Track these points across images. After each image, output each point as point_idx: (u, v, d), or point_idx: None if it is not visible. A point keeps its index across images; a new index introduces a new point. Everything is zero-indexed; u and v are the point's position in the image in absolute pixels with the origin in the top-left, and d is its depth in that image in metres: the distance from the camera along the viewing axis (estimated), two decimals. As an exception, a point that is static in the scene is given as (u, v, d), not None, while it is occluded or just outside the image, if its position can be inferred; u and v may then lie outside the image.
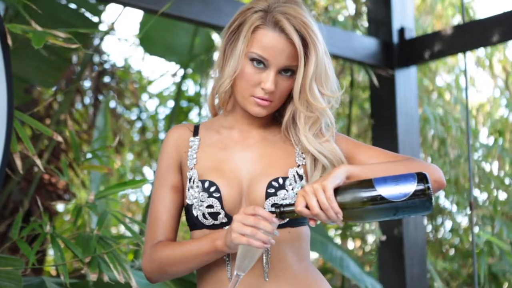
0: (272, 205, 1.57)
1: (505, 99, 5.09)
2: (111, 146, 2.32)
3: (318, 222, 1.51)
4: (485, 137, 4.95)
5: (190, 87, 5.68)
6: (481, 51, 5.04)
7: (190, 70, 4.92)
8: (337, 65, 4.78)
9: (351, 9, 4.87)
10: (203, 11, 3.17)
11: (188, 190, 1.63)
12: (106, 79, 5.16)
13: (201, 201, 1.60)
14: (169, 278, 1.66)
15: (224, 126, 1.71)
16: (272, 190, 1.59)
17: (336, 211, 1.43)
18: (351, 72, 4.65)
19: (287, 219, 1.52)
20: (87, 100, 5.04)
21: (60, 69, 3.47)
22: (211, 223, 1.60)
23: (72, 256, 2.11)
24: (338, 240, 4.84)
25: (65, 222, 4.63)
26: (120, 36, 6.15)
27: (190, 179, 1.63)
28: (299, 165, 1.64)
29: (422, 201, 1.42)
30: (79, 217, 2.17)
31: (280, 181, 1.60)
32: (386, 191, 1.43)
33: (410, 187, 1.42)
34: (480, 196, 4.74)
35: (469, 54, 4.72)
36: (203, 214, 1.60)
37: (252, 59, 1.59)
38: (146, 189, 5.67)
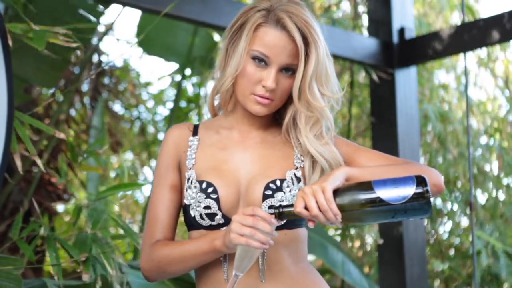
0: (269, 207, 1.57)
1: (505, 98, 5.09)
2: (100, 151, 2.32)
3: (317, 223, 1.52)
4: (485, 136, 4.95)
5: (190, 87, 5.67)
6: (482, 51, 5.03)
7: (189, 70, 4.92)
8: (337, 65, 4.78)
9: (351, 9, 4.87)
10: (203, 11, 3.17)
11: (186, 190, 1.63)
12: (105, 79, 5.16)
13: (198, 201, 1.60)
14: (167, 277, 1.66)
15: (224, 126, 1.71)
16: (270, 192, 1.59)
17: (335, 212, 1.43)
18: (351, 72, 4.65)
19: (286, 219, 1.52)
20: (86, 100, 5.04)
21: (60, 69, 3.46)
22: (208, 224, 1.60)
23: (70, 257, 2.11)
24: (338, 240, 4.84)
25: (64, 222, 4.63)
26: (119, 36, 6.15)
27: (188, 179, 1.63)
28: (297, 168, 1.64)
29: (421, 204, 1.42)
30: (79, 218, 2.17)
31: (278, 183, 1.60)
32: (385, 193, 1.43)
33: (409, 190, 1.42)
34: (480, 196, 4.73)
35: (469, 54, 4.73)
36: (200, 215, 1.60)
37: (254, 57, 1.59)
38: (146, 189, 5.67)
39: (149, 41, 4.58)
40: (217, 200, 1.59)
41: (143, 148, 5.82)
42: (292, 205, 1.47)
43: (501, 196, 4.71)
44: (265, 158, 1.65)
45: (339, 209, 1.44)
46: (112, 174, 5.52)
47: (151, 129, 5.90)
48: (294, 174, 1.62)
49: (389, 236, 3.79)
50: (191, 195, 1.61)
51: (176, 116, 4.82)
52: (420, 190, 1.42)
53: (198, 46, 4.43)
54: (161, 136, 5.77)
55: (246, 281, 1.56)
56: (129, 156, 6.10)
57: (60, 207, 4.81)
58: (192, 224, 1.63)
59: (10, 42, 1.97)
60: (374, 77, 3.86)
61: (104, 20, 5.20)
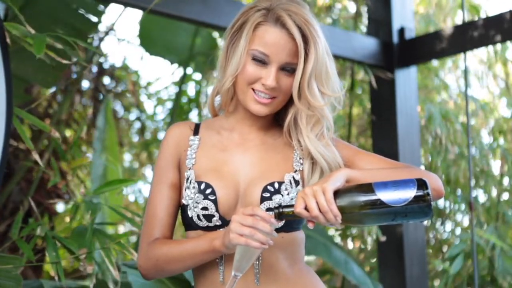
0: (267, 210, 1.57)
1: (506, 99, 5.09)
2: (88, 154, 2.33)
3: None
4: (486, 136, 4.95)
5: (190, 87, 5.68)
6: (483, 51, 5.03)
7: (190, 70, 4.92)
8: (337, 65, 4.78)
9: (352, 9, 4.87)
10: (203, 11, 3.17)
11: (185, 190, 1.62)
12: (106, 79, 5.16)
13: (196, 202, 1.59)
14: (165, 275, 1.66)
15: (225, 127, 1.70)
16: (267, 195, 1.59)
17: (335, 214, 1.43)
18: (351, 72, 4.65)
19: (285, 220, 1.52)
20: (86, 100, 5.04)
21: (60, 69, 3.46)
22: (205, 225, 1.60)
23: (70, 253, 2.11)
24: (338, 240, 4.84)
25: (64, 222, 4.62)
26: (120, 36, 6.15)
27: (187, 179, 1.63)
28: (296, 171, 1.64)
29: (421, 207, 1.42)
30: (76, 214, 2.17)
31: (276, 185, 1.59)
32: (385, 195, 1.42)
33: (410, 193, 1.42)
34: (481, 196, 4.73)
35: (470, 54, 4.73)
36: (198, 216, 1.59)
37: (254, 57, 1.59)
38: (145, 190, 5.67)
39: (150, 41, 4.58)
40: (215, 201, 1.58)
41: (143, 148, 5.82)
42: (292, 206, 1.46)
43: (504, 196, 4.70)
44: (264, 160, 1.65)
45: (339, 210, 1.43)
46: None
47: (151, 129, 5.90)
48: (293, 177, 1.62)
49: (389, 236, 3.79)
50: (189, 196, 1.61)
51: (177, 116, 4.83)
52: (420, 193, 1.42)
53: (199, 46, 4.43)
54: (160, 135, 5.77)
55: (241, 284, 1.55)
56: (128, 157, 6.10)
57: (60, 207, 4.82)
58: (189, 225, 1.63)
59: (8, 40, 1.96)
60: (376, 74, 3.86)
61: (105, 20, 5.20)
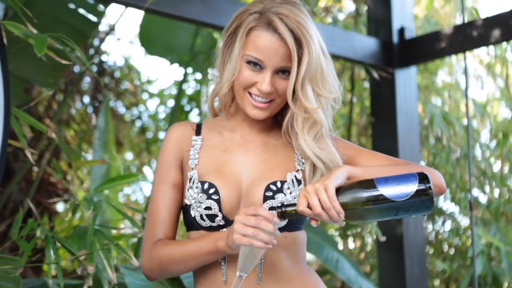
0: (270, 208, 1.57)
1: (505, 99, 5.09)
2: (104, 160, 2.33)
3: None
4: (487, 137, 4.94)
5: (191, 86, 5.68)
6: (483, 51, 5.03)
7: (191, 69, 4.92)
8: (337, 65, 4.78)
9: (352, 9, 4.87)
10: (203, 11, 3.17)
11: (188, 190, 1.62)
12: (106, 79, 5.17)
13: (199, 202, 1.59)
14: (168, 276, 1.65)
15: (227, 128, 1.71)
16: (270, 194, 1.59)
17: (338, 210, 1.43)
18: (351, 72, 4.65)
19: (288, 219, 1.52)
20: (86, 100, 5.04)
21: (60, 69, 3.46)
22: (208, 225, 1.60)
23: (70, 254, 2.11)
24: (338, 240, 4.84)
25: (64, 222, 4.63)
26: (120, 36, 6.15)
27: (190, 179, 1.63)
28: (297, 170, 1.64)
29: (423, 200, 1.43)
30: (75, 213, 2.17)
31: (278, 184, 1.60)
32: (387, 191, 1.43)
33: (412, 187, 1.43)
34: (482, 196, 4.73)
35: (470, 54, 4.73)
36: (201, 216, 1.59)
37: (248, 62, 1.59)
38: (146, 189, 5.67)
39: (150, 41, 4.58)
40: (218, 201, 1.58)
41: (143, 147, 5.82)
42: (294, 204, 1.46)
43: (505, 196, 4.70)
44: (266, 161, 1.65)
45: (342, 207, 1.44)
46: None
47: (151, 128, 5.90)
48: (295, 176, 1.62)
49: (389, 236, 3.78)
50: (192, 195, 1.61)
51: (177, 115, 4.83)
52: (422, 187, 1.42)
53: (200, 45, 4.43)
54: (161, 135, 5.77)
55: (244, 283, 1.55)
56: (129, 156, 6.10)
57: (60, 207, 4.82)
58: (192, 225, 1.63)
59: (5, 40, 1.96)
60: (375, 75, 3.86)
61: (105, 20, 5.20)
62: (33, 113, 4.04)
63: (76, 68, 4.58)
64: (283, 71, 1.59)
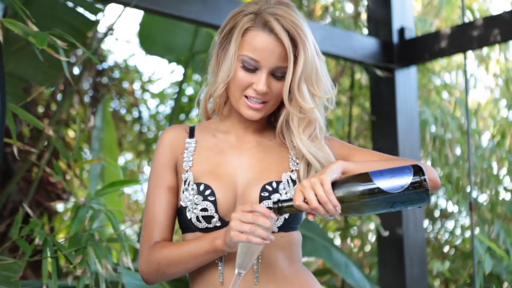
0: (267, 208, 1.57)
1: (505, 100, 5.08)
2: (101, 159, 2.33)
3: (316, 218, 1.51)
4: (487, 137, 4.94)
5: (191, 87, 5.68)
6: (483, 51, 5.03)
7: (190, 70, 4.92)
8: (337, 65, 4.78)
9: (352, 9, 4.87)
10: (203, 11, 3.17)
11: (183, 192, 1.62)
12: (105, 79, 5.16)
13: (195, 204, 1.59)
14: (166, 279, 1.65)
15: (220, 130, 1.71)
16: (266, 194, 1.59)
17: (335, 204, 1.44)
18: (351, 72, 4.65)
19: (285, 214, 1.52)
20: (86, 100, 5.04)
21: (59, 69, 3.46)
22: (204, 226, 1.60)
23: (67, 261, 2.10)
24: (338, 240, 4.83)
25: (64, 222, 4.63)
26: (119, 36, 6.15)
27: (185, 181, 1.62)
28: (292, 170, 1.65)
29: (418, 192, 1.44)
30: (77, 219, 2.16)
31: (274, 185, 1.60)
32: (383, 183, 1.44)
33: (407, 179, 1.44)
34: (481, 197, 4.72)
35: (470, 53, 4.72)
36: (197, 217, 1.59)
37: (244, 62, 1.59)
38: (145, 188, 5.66)
39: (150, 41, 4.58)
40: (214, 202, 1.58)
41: (144, 147, 5.82)
42: (291, 200, 1.47)
43: (506, 197, 4.70)
44: (261, 162, 1.66)
45: (338, 201, 1.44)
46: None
47: (152, 128, 5.90)
48: (290, 177, 1.63)
49: (389, 236, 3.78)
50: (188, 197, 1.60)
51: (177, 115, 4.83)
52: (417, 179, 1.44)
53: (199, 45, 4.43)
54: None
55: (241, 283, 1.54)
56: (128, 156, 6.10)
57: (60, 207, 4.81)
58: (187, 227, 1.63)
59: (0, 38, 1.96)
60: (376, 74, 3.86)
61: (105, 20, 5.21)
62: (32, 113, 4.04)
63: (76, 69, 4.57)
64: (278, 72, 1.60)
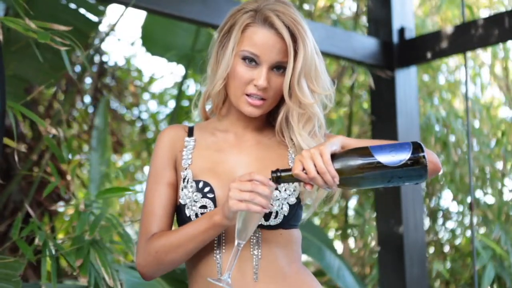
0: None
1: (506, 99, 5.09)
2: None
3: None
4: (489, 137, 4.94)
5: (191, 87, 5.68)
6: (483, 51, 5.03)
7: (191, 70, 4.92)
8: (337, 65, 4.78)
9: (352, 9, 4.87)
10: (203, 11, 3.17)
11: (182, 190, 1.62)
12: (107, 79, 5.17)
13: (194, 201, 1.60)
14: (165, 269, 1.63)
15: (219, 129, 1.71)
16: None
17: (333, 175, 1.45)
18: (351, 72, 4.65)
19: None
20: (87, 100, 5.05)
21: (60, 69, 3.47)
22: None
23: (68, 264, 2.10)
24: (338, 241, 4.84)
25: (64, 222, 4.63)
26: (120, 36, 6.16)
27: (184, 179, 1.63)
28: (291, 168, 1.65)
29: (416, 169, 1.46)
30: (77, 220, 2.16)
31: None
32: (382, 157, 1.46)
33: (406, 154, 1.46)
34: (483, 197, 4.73)
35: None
36: (196, 214, 1.60)
37: (244, 58, 1.60)
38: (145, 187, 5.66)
39: (151, 41, 4.59)
40: (213, 199, 1.59)
41: (144, 148, 5.82)
42: (290, 169, 1.48)
43: (508, 197, 4.70)
44: (260, 159, 1.66)
45: (337, 173, 1.46)
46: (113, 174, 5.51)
47: (152, 128, 5.90)
48: None
49: (389, 236, 3.79)
50: (187, 195, 1.61)
51: (178, 115, 4.83)
52: (416, 155, 1.46)
53: (201, 46, 4.44)
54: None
55: (239, 280, 1.56)
56: (128, 156, 6.11)
57: (60, 207, 4.82)
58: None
59: (1, 37, 1.96)
60: (376, 74, 3.86)
61: (106, 21, 5.21)
62: (33, 113, 4.04)
63: (77, 69, 4.58)
64: (278, 68, 1.61)
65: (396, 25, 3.89)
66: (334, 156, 1.47)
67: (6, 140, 2.16)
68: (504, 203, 4.55)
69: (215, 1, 3.20)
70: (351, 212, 5.07)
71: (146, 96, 5.98)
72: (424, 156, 1.45)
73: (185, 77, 4.67)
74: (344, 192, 4.56)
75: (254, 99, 1.61)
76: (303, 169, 1.46)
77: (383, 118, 3.91)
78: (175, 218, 1.69)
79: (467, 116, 3.73)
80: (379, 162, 1.45)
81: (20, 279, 1.87)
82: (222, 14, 3.23)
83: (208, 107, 1.77)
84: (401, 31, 3.89)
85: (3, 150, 2.07)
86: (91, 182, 4.24)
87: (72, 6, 3.47)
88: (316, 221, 4.97)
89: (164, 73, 7.82)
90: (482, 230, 4.55)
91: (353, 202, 5.08)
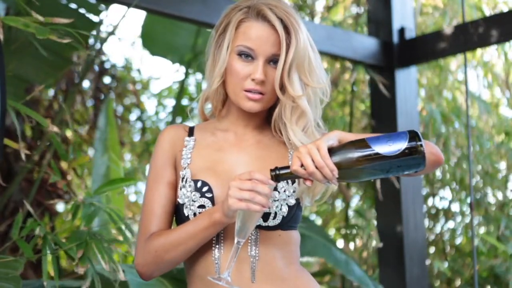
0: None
1: (506, 99, 5.09)
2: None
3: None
4: (491, 136, 4.94)
5: (192, 87, 5.69)
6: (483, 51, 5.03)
7: (191, 70, 4.92)
8: (337, 65, 4.78)
9: (352, 9, 4.87)
10: (203, 11, 3.17)
11: (180, 189, 1.62)
12: (107, 79, 5.17)
13: (193, 200, 1.59)
14: (164, 268, 1.62)
15: (219, 128, 1.71)
16: None
17: (331, 168, 1.44)
18: (351, 72, 4.65)
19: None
20: (87, 100, 5.05)
21: (61, 69, 3.47)
22: None
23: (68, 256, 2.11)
24: (340, 241, 4.84)
25: (65, 222, 4.64)
26: (121, 37, 6.17)
27: (183, 178, 1.63)
28: None
29: (414, 157, 1.45)
30: (76, 216, 2.17)
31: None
32: (379, 148, 1.45)
33: (403, 144, 1.45)
34: (485, 196, 4.72)
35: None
36: (194, 214, 1.59)
37: (240, 53, 1.61)
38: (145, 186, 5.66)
39: (152, 41, 4.59)
40: (212, 199, 1.59)
41: (144, 148, 5.82)
42: (288, 166, 1.48)
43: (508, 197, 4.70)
44: (260, 159, 1.66)
45: (335, 166, 1.46)
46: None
47: (152, 128, 5.90)
48: None
49: (389, 236, 3.79)
50: (185, 194, 1.61)
51: (178, 115, 4.83)
52: (413, 143, 1.45)
53: (201, 46, 4.44)
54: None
55: (237, 281, 1.55)
56: (128, 156, 6.11)
57: (60, 207, 4.82)
58: None
59: (1, 36, 1.97)
60: (376, 74, 3.86)
61: (107, 21, 5.22)
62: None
63: (76, 69, 4.58)
64: (275, 61, 1.61)
65: (396, 25, 3.89)
66: (331, 150, 1.47)
67: (7, 141, 2.17)
68: (507, 202, 4.55)
69: (215, 1, 3.21)
70: (351, 213, 5.07)
71: (146, 96, 5.98)
72: (421, 145, 1.45)
73: (185, 77, 4.68)
74: (345, 192, 4.56)
75: (253, 94, 1.61)
76: (302, 165, 1.45)
77: (383, 119, 3.92)
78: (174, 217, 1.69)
79: (467, 115, 3.73)
80: (376, 153, 1.45)
81: (19, 277, 1.87)
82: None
83: (207, 109, 1.77)
84: (401, 31, 3.89)
85: (3, 150, 2.06)
86: (93, 183, 4.24)
87: (72, 6, 3.47)
88: (318, 221, 4.97)
89: (164, 73, 7.84)
90: (482, 230, 4.56)
91: (353, 202, 5.08)
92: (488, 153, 4.61)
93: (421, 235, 3.82)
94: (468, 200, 4.59)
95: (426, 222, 4.78)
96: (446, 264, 4.62)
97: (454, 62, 4.94)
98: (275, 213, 1.59)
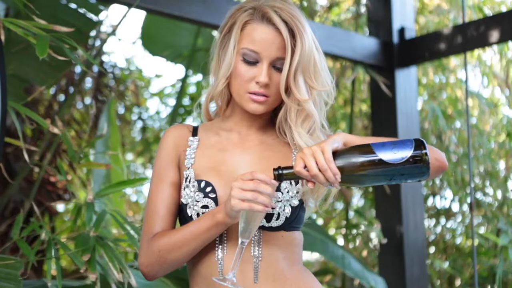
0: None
1: (506, 98, 5.09)
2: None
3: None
4: (491, 136, 4.94)
5: (192, 87, 5.69)
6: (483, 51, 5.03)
7: (192, 70, 4.92)
8: (337, 66, 4.78)
9: (352, 9, 4.87)
10: (204, 11, 3.18)
11: (184, 189, 1.62)
12: (107, 79, 5.17)
13: (196, 200, 1.59)
14: (168, 268, 1.62)
15: (223, 128, 1.71)
16: None
17: (335, 172, 1.43)
18: (351, 72, 4.66)
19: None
20: (88, 101, 5.05)
21: (61, 69, 3.47)
22: None
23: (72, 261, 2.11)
24: (340, 241, 4.84)
25: (65, 222, 4.64)
26: (122, 37, 6.16)
27: (187, 178, 1.63)
28: None
29: (418, 166, 1.44)
30: (79, 217, 2.17)
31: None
32: (384, 155, 1.44)
33: (408, 152, 1.44)
34: (485, 196, 4.73)
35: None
36: (198, 214, 1.59)
37: (244, 55, 1.60)
38: (147, 190, 5.67)
39: (152, 42, 4.59)
40: (215, 199, 1.58)
41: (145, 148, 5.83)
42: (291, 167, 1.47)
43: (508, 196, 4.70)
44: (264, 159, 1.65)
45: (338, 170, 1.45)
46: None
47: (153, 128, 5.91)
48: None
49: (389, 236, 3.79)
50: (189, 194, 1.61)
51: (178, 115, 4.83)
52: (418, 151, 1.44)
53: (201, 46, 4.44)
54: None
55: (240, 281, 1.55)
56: (129, 156, 6.11)
57: (60, 207, 4.82)
58: None
59: (2, 37, 1.97)
60: (376, 74, 3.86)
61: (107, 21, 5.21)
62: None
63: (77, 69, 4.58)
64: (278, 64, 1.60)
65: (396, 25, 3.89)
66: (335, 153, 1.46)
67: (9, 139, 2.16)
68: (507, 202, 4.55)
69: (215, 1, 3.21)
70: (351, 213, 5.08)
71: (146, 96, 5.98)
72: (426, 153, 1.44)
73: (185, 77, 4.68)
74: (345, 192, 4.56)
75: (257, 96, 1.60)
76: (305, 166, 1.45)
77: (383, 118, 3.92)
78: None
79: (467, 115, 3.73)
80: (381, 160, 1.44)
81: (20, 277, 1.87)
82: (222, 14, 3.22)
83: (212, 109, 1.76)
84: (401, 31, 3.89)
85: (3, 150, 2.06)
86: (94, 183, 4.23)
87: (72, 6, 3.47)
88: (320, 221, 4.98)
89: (164, 73, 7.84)
90: (482, 230, 4.56)
91: (353, 203, 5.09)
92: (488, 153, 4.61)
93: (421, 235, 3.82)
94: (468, 200, 4.59)
95: (426, 222, 4.79)
96: (446, 264, 4.63)
97: (454, 61, 4.95)
98: (278, 214, 1.59)
